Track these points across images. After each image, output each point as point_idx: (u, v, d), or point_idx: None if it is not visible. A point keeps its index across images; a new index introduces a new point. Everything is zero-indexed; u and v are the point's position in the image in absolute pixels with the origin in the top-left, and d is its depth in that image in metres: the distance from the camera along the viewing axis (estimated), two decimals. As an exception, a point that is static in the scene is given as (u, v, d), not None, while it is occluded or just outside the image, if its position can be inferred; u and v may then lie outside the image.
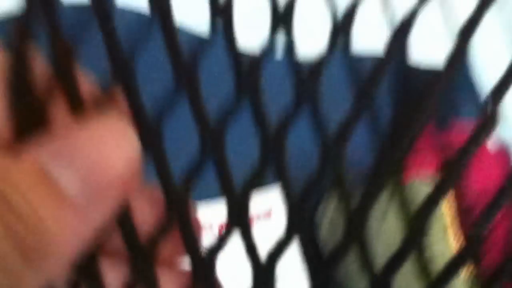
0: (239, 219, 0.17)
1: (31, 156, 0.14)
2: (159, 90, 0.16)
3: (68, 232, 0.14)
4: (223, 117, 0.16)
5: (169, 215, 0.17)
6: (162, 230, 0.17)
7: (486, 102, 0.17)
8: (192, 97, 0.16)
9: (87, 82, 0.15)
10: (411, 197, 0.59)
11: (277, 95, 0.17)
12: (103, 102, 0.15)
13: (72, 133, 0.14)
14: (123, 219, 0.16)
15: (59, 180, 0.13)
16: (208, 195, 0.26)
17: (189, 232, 0.17)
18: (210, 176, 0.17)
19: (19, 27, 0.14)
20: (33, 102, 0.15)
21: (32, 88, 0.15)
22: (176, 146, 0.18)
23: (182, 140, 0.18)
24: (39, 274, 0.14)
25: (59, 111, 0.15)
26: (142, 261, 0.17)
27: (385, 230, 0.77)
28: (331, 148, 0.17)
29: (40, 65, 0.15)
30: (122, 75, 0.15)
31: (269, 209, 0.56)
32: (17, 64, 0.14)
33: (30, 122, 0.15)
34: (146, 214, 0.17)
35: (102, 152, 0.14)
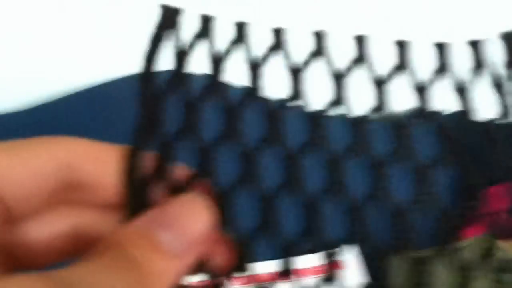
0: None
1: (139, 222, 0.20)
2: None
3: (167, 273, 0.20)
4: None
5: (236, 258, 0.22)
6: (231, 270, 0.22)
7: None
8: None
9: (181, 171, 0.22)
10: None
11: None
12: (191, 184, 0.22)
13: (168, 205, 0.21)
14: (203, 263, 0.22)
15: (161, 239, 0.20)
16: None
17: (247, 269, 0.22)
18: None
19: (136, 130, 0.21)
20: (142, 188, 0.21)
21: (142, 180, 0.21)
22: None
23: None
24: None
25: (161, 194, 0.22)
26: None
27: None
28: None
29: (149, 159, 0.22)
30: (205, 166, 0.22)
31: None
32: (133, 159, 0.21)
33: (139, 204, 0.21)
34: (222, 255, 0.22)
35: (190, 218, 0.21)
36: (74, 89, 0.66)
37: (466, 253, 0.74)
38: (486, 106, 0.23)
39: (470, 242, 0.77)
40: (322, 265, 0.23)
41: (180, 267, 0.20)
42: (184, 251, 0.20)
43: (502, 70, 0.23)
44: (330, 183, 0.23)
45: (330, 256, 0.23)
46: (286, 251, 0.23)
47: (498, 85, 0.23)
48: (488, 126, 0.82)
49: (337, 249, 0.23)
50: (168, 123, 0.22)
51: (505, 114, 0.23)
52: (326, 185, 0.23)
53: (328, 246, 0.23)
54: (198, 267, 0.22)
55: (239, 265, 0.22)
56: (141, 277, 0.19)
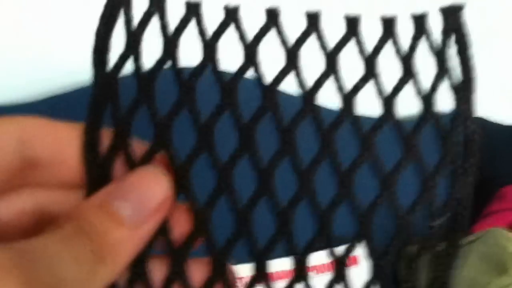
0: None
1: (97, 196, 0.21)
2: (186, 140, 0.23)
3: (126, 242, 0.21)
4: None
5: (195, 227, 0.23)
6: (191, 237, 0.23)
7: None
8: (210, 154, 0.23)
9: (138, 146, 0.23)
10: (491, 242, 0.62)
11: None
12: (148, 157, 0.23)
13: (126, 178, 0.22)
14: (162, 231, 0.22)
15: (118, 209, 0.21)
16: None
17: (209, 237, 0.23)
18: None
19: (91, 108, 0.22)
20: (100, 164, 0.22)
21: (100, 156, 0.22)
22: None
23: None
24: (107, 271, 0.20)
25: (119, 168, 0.23)
26: (175, 259, 0.23)
27: (465, 274, 0.78)
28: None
29: (105, 136, 0.23)
30: (161, 139, 0.23)
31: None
32: (89, 136, 0.22)
33: (99, 180, 0.22)
34: (180, 224, 0.23)
35: (146, 189, 0.21)
36: (75, 84, 0.67)
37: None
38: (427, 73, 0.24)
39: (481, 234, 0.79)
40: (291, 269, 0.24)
41: (139, 236, 0.21)
42: (142, 221, 0.21)
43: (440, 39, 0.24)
44: (282, 150, 0.24)
45: (340, 253, 0.24)
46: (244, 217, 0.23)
47: (437, 52, 0.24)
48: (501, 127, 0.85)
49: (347, 246, 0.24)
50: (123, 99, 0.23)
51: (442, 76, 0.23)
52: (279, 151, 0.24)
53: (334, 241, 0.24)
54: (158, 236, 0.23)
55: (196, 233, 0.23)
56: (100, 247, 0.20)
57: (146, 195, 0.21)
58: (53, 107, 0.65)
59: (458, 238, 0.24)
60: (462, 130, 0.23)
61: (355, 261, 0.68)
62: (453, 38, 0.23)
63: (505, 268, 0.75)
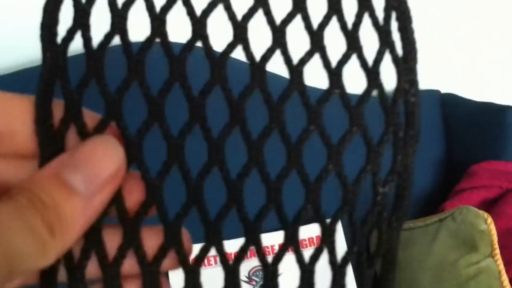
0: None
1: (49, 167, 0.21)
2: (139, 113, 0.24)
3: (78, 213, 0.21)
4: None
5: (147, 196, 0.24)
6: (143, 207, 0.24)
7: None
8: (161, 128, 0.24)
9: (90, 116, 0.23)
10: (461, 219, 0.64)
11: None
12: (100, 129, 0.23)
13: (78, 148, 0.22)
14: (116, 201, 0.23)
15: (69, 180, 0.21)
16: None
17: (161, 205, 0.24)
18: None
19: (42, 81, 0.23)
20: (53, 136, 0.23)
21: (52, 128, 0.23)
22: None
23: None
24: (60, 242, 0.20)
25: (71, 139, 0.23)
26: (129, 227, 0.23)
27: (435, 251, 0.79)
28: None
29: (57, 108, 0.23)
30: (112, 111, 0.23)
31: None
32: (41, 108, 0.23)
33: (52, 151, 0.23)
34: (133, 194, 0.23)
35: (98, 159, 0.22)
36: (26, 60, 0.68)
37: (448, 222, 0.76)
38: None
39: (450, 213, 0.80)
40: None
41: (92, 207, 0.22)
42: (95, 192, 0.21)
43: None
44: (232, 122, 0.24)
45: (324, 226, 0.24)
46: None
47: (379, 27, 0.25)
48: (472, 106, 0.85)
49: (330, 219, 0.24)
50: (73, 71, 0.23)
51: (384, 50, 0.24)
52: (229, 123, 0.24)
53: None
54: (111, 207, 0.23)
55: (149, 202, 0.24)
56: (53, 218, 0.20)
57: (98, 165, 0.22)
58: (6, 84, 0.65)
59: (402, 209, 0.24)
60: (404, 102, 0.24)
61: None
62: (394, 15, 0.24)
63: (475, 245, 0.76)
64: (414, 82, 0.24)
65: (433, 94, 1.23)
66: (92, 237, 0.23)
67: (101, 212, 0.22)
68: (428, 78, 1.23)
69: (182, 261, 0.24)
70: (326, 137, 0.24)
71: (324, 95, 0.24)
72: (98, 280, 0.23)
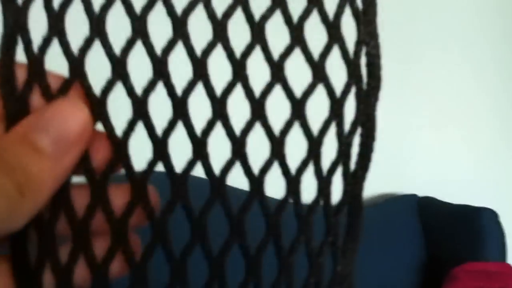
0: None
1: (16, 129, 0.22)
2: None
3: (46, 174, 0.21)
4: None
5: (114, 153, 0.24)
6: (111, 164, 0.24)
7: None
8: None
9: (53, 77, 0.24)
10: None
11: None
12: (65, 89, 0.24)
13: (44, 110, 0.22)
14: (83, 160, 0.23)
15: (37, 142, 0.21)
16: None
17: (127, 162, 0.24)
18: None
19: (3, 41, 0.23)
20: (18, 97, 0.23)
21: (17, 90, 0.23)
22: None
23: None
24: (30, 203, 0.21)
25: (36, 100, 0.23)
26: (96, 186, 0.24)
27: None
28: None
29: (20, 70, 0.23)
30: (76, 71, 0.24)
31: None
32: (4, 70, 0.23)
33: (18, 113, 0.23)
34: (99, 152, 0.24)
35: (64, 121, 0.22)
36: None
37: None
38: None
39: None
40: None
41: (61, 168, 0.22)
42: (63, 152, 0.22)
43: None
44: (195, 77, 0.25)
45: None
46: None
47: None
48: (449, 208, 0.86)
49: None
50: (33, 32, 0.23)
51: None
52: (192, 79, 0.25)
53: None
54: (79, 166, 0.23)
55: (115, 160, 0.24)
56: (23, 179, 0.20)
57: (65, 126, 0.22)
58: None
59: (366, 158, 0.25)
60: (365, 54, 0.25)
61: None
62: None
63: None
64: (374, 34, 0.24)
65: (411, 198, 1.28)
66: (60, 197, 0.23)
67: (70, 172, 0.23)
68: (405, 183, 1.28)
69: (149, 216, 0.24)
70: (289, 91, 0.25)
71: (287, 49, 0.25)
72: (68, 239, 0.24)
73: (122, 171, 0.24)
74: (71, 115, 0.22)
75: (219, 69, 0.26)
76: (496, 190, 1.50)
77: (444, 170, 1.43)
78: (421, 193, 1.31)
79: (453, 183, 1.41)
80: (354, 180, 0.25)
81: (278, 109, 0.26)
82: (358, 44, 0.25)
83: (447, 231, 1.19)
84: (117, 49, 0.24)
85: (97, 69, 0.25)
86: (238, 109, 0.26)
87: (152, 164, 0.24)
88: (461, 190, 1.39)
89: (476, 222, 1.13)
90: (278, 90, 0.25)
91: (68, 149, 0.22)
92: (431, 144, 1.42)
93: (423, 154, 1.40)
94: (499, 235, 1.14)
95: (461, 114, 1.47)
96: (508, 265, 1.08)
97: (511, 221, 1.21)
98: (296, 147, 0.26)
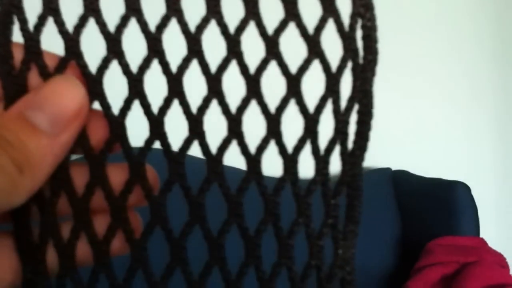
0: None
1: (14, 108, 0.22)
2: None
3: (44, 151, 0.21)
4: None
5: (111, 133, 0.24)
6: (108, 143, 0.24)
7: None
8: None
9: (50, 57, 0.24)
10: None
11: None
12: (61, 68, 0.24)
13: (40, 87, 0.22)
14: (81, 139, 0.23)
15: (34, 119, 0.21)
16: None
17: (125, 141, 0.24)
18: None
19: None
20: (15, 76, 0.23)
21: (14, 67, 0.23)
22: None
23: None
24: (29, 179, 0.21)
25: (34, 80, 0.23)
26: (95, 164, 0.24)
27: None
28: None
29: (17, 50, 0.23)
30: (71, 50, 0.24)
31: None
32: (1, 49, 0.23)
33: (16, 92, 0.23)
34: (97, 131, 0.24)
35: (61, 98, 0.22)
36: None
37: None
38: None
39: None
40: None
41: (58, 145, 0.22)
42: (60, 130, 0.22)
43: None
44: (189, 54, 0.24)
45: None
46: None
47: None
48: (422, 182, 0.87)
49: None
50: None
51: None
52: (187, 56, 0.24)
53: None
54: (78, 145, 0.23)
55: (113, 139, 0.24)
56: (21, 156, 0.21)
57: (61, 103, 0.22)
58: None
59: (364, 136, 0.25)
60: (361, 27, 0.24)
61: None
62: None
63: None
64: (369, 6, 0.24)
65: (385, 171, 1.29)
66: (60, 175, 0.23)
67: (68, 151, 0.23)
68: (380, 156, 1.29)
69: (147, 194, 0.24)
70: (285, 67, 0.24)
71: (281, 24, 0.24)
72: (68, 218, 0.24)
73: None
74: (67, 92, 0.22)
75: (214, 47, 0.26)
76: (467, 164, 1.53)
77: (417, 144, 1.45)
78: (395, 166, 1.33)
79: (425, 157, 1.43)
80: (352, 160, 0.25)
81: (274, 87, 0.26)
82: (353, 16, 0.24)
83: (421, 204, 1.20)
84: (111, 27, 0.24)
85: (93, 49, 0.25)
86: (234, 88, 0.26)
87: (149, 142, 0.24)
88: (433, 164, 1.41)
89: (449, 195, 1.15)
90: (273, 68, 0.24)
91: (65, 126, 0.22)
92: (405, 117, 1.43)
93: (396, 128, 1.41)
94: (472, 209, 1.16)
95: (435, 88, 1.48)
96: (481, 239, 1.10)
97: (481, 196, 1.23)
98: (293, 126, 0.25)
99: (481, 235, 1.14)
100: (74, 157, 0.24)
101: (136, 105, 0.24)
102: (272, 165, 0.28)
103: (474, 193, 1.17)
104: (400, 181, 1.27)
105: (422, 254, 1.07)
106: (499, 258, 1.05)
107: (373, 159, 1.34)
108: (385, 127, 1.37)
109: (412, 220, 1.22)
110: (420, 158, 1.42)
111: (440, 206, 1.16)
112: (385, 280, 1.17)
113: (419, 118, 1.46)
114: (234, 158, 0.27)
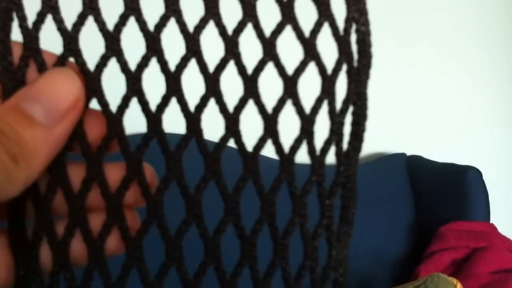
0: None
1: (10, 100, 0.22)
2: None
3: (40, 142, 0.21)
4: None
5: (108, 130, 0.24)
6: (105, 139, 0.24)
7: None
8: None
9: (48, 55, 0.24)
10: (434, 286, 0.67)
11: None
12: (60, 64, 0.24)
13: (36, 80, 0.22)
14: (78, 135, 0.24)
15: (29, 111, 0.21)
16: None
17: (122, 138, 0.24)
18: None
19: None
20: (14, 72, 0.23)
21: (13, 64, 0.23)
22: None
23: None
24: (24, 171, 0.21)
25: (32, 76, 0.23)
26: (92, 161, 0.24)
27: None
28: None
29: (17, 47, 0.23)
30: (70, 47, 0.24)
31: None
32: (0, 46, 0.23)
33: (14, 88, 0.23)
34: (95, 129, 0.24)
35: (56, 90, 0.22)
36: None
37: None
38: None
39: (423, 280, 0.83)
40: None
41: (53, 137, 0.22)
42: (55, 121, 0.22)
43: None
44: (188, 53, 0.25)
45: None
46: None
47: None
48: (435, 167, 0.86)
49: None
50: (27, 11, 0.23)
51: None
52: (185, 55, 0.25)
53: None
54: (73, 141, 0.24)
55: (110, 136, 0.24)
56: (15, 147, 0.21)
57: (57, 95, 0.22)
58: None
59: (359, 137, 0.25)
60: (355, 31, 0.25)
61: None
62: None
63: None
64: (363, 11, 0.24)
65: (400, 156, 1.28)
66: (57, 172, 0.24)
67: (64, 145, 0.23)
68: (394, 142, 1.29)
69: (144, 192, 0.24)
70: (281, 68, 0.25)
71: (278, 26, 0.25)
72: (65, 216, 0.24)
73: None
74: (63, 84, 0.22)
75: (213, 48, 0.26)
76: (481, 150, 1.52)
77: (431, 129, 1.44)
78: (409, 152, 1.33)
79: (439, 142, 1.43)
80: (347, 161, 0.25)
81: (271, 89, 0.26)
82: (348, 21, 0.24)
83: (434, 189, 1.21)
84: (110, 25, 0.24)
85: (92, 47, 0.25)
86: (232, 89, 0.26)
87: (146, 139, 0.24)
88: (446, 149, 1.41)
89: (461, 180, 1.15)
90: (270, 70, 0.25)
91: (60, 117, 0.22)
92: (420, 104, 1.43)
93: (412, 113, 1.41)
94: (483, 194, 1.16)
95: (448, 74, 1.47)
96: (492, 224, 1.10)
97: (492, 181, 1.23)
98: (289, 127, 0.26)
99: (491, 221, 1.14)
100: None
101: (134, 103, 0.24)
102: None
103: (486, 179, 1.17)
104: (414, 167, 1.28)
105: (434, 238, 1.08)
106: (509, 244, 1.05)
107: (388, 144, 1.34)
108: (400, 113, 1.37)
109: (425, 205, 1.22)
110: (434, 144, 1.41)
111: (452, 191, 1.16)
112: (398, 265, 1.18)
113: (434, 104, 1.45)
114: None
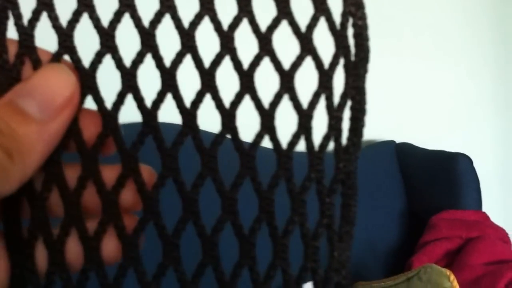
0: None
1: (5, 96, 0.22)
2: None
3: (34, 138, 0.21)
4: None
5: (103, 127, 0.24)
6: (100, 136, 0.24)
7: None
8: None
9: (44, 53, 0.24)
10: (426, 279, 0.67)
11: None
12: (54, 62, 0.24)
13: (31, 76, 0.22)
14: (74, 133, 0.23)
15: (23, 107, 0.21)
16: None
17: (118, 136, 0.24)
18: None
19: None
20: (9, 70, 0.23)
21: (8, 62, 0.23)
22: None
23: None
24: (20, 167, 0.21)
25: (28, 74, 0.23)
26: (87, 158, 0.24)
27: None
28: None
29: (12, 45, 0.23)
30: (65, 45, 0.24)
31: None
32: None
33: (9, 85, 0.23)
34: (90, 127, 0.24)
35: (51, 85, 0.22)
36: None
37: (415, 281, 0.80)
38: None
39: (416, 272, 0.83)
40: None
41: (48, 133, 0.22)
42: (49, 117, 0.22)
43: None
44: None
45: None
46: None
47: None
48: (425, 154, 0.85)
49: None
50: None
51: None
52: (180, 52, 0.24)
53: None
54: (69, 138, 0.24)
55: (105, 134, 0.24)
56: (10, 144, 0.21)
57: (51, 91, 0.22)
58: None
59: (358, 133, 0.24)
60: (352, 25, 0.24)
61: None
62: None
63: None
64: (360, 5, 0.24)
65: (389, 144, 1.28)
66: (52, 169, 0.24)
67: (60, 143, 0.23)
68: (383, 129, 1.28)
69: (140, 189, 0.24)
70: (278, 63, 0.24)
71: (274, 21, 0.24)
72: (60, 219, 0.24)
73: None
74: (58, 79, 0.22)
75: (208, 44, 0.26)
76: (468, 137, 1.53)
77: (420, 117, 1.44)
78: (398, 139, 1.33)
79: (428, 129, 1.43)
80: (347, 157, 0.24)
81: (267, 84, 0.26)
82: (344, 15, 0.24)
83: (424, 177, 1.20)
84: (105, 22, 0.24)
85: (87, 44, 0.25)
86: (228, 84, 0.26)
87: (142, 135, 0.24)
88: (435, 137, 1.41)
89: (451, 167, 1.15)
90: (267, 65, 0.24)
91: (55, 113, 0.22)
92: (408, 91, 1.43)
93: (400, 100, 1.41)
94: (474, 181, 1.15)
95: (437, 62, 1.47)
96: (484, 213, 1.10)
97: (481, 168, 1.23)
98: (287, 123, 0.25)
99: (484, 209, 1.15)
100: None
101: (129, 99, 0.24)
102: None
103: (477, 166, 1.17)
104: (404, 154, 1.27)
105: (426, 228, 1.07)
106: (502, 233, 1.05)
107: (377, 132, 1.34)
108: (389, 100, 1.37)
109: (416, 193, 1.22)
110: (423, 131, 1.41)
111: (442, 178, 1.16)
112: (391, 254, 1.18)
113: (423, 91, 1.45)
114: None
